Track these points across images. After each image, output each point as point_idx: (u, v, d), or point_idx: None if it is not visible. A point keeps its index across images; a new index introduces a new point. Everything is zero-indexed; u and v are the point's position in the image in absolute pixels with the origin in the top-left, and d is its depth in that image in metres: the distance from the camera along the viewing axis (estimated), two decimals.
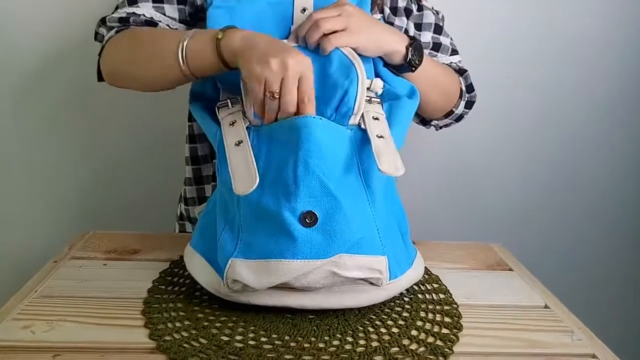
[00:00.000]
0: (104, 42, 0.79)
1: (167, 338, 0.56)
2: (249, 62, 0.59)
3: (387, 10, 0.87)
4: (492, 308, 0.68)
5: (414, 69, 0.73)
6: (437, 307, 0.66)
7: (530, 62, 1.24)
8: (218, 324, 0.59)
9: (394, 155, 0.59)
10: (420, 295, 0.69)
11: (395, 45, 0.71)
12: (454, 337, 0.59)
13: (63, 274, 0.71)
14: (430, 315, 0.64)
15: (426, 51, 0.86)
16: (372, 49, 0.69)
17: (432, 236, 0.93)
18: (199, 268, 0.63)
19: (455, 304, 0.67)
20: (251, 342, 0.56)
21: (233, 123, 0.62)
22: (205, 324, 0.59)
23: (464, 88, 0.88)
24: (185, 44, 0.66)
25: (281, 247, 0.56)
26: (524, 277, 0.78)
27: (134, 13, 0.78)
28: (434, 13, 0.91)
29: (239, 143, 0.60)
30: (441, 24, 0.91)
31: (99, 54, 0.80)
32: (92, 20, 1.07)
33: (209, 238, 0.64)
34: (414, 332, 0.60)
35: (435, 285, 0.72)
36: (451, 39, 0.92)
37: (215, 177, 0.90)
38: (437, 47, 0.90)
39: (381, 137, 0.61)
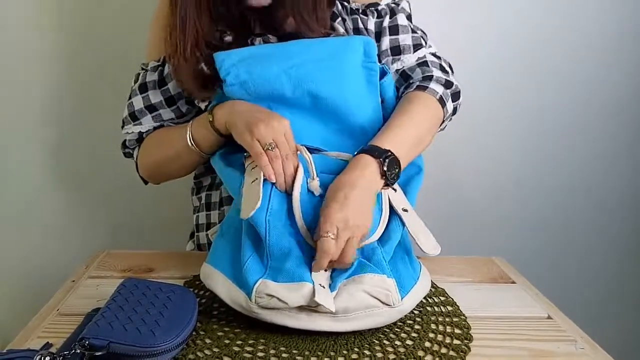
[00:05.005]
0: (135, 157, 0.96)
1: (191, 357, 0.58)
2: (240, 134, 0.72)
3: (351, 33, 0.88)
4: (497, 319, 0.71)
5: (397, 177, 0.73)
6: (447, 319, 0.69)
7: (528, 66, 1.27)
8: (239, 342, 0.62)
9: (427, 232, 0.70)
10: (429, 308, 0.71)
11: (376, 189, 0.71)
12: (466, 348, 0.62)
13: (82, 293, 0.73)
14: (440, 327, 0.66)
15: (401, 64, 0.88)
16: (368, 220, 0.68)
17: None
18: (221, 285, 0.66)
19: (464, 315, 0.70)
20: (273, 359, 0.58)
21: (255, 167, 0.71)
22: (227, 342, 0.62)
23: (441, 92, 0.84)
24: (190, 135, 0.81)
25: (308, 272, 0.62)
26: (526, 289, 0.81)
27: (147, 130, 0.92)
28: (389, 11, 0.88)
29: (254, 180, 0.69)
30: (397, 22, 0.88)
31: (137, 168, 0.97)
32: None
33: (229, 257, 0.67)
34: (427, 344, 0.63)
35: (442, 298, 0.75)
36: (413, 31, 0.89)
37: (221, 203, 0.94)
38: (396, 50, 0.88)
39: (405, 210, 0.70)
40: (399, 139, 0.75)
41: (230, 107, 0.75)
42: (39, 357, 0.53)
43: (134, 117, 0.92)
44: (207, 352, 0.59)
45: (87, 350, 0.54)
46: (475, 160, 1.32)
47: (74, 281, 0.77)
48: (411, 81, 0.87)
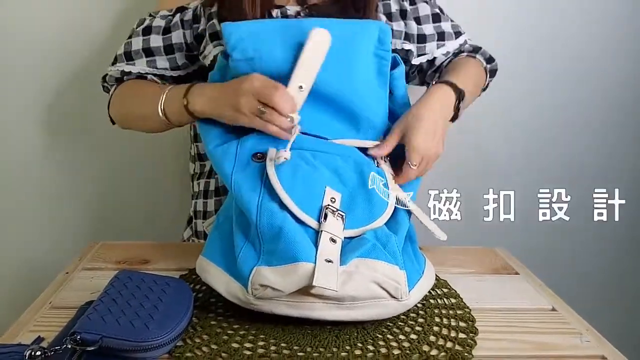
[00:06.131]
0: (110, 96, 0.93)
1: (189, 355, 0.56)
2: (233, 119, 0.69)
3: (382, 17, 0.87)
4: (501, 312, 0.69)
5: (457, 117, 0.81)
6: (451, 312, 0.67)
7: (527, 66, 1.25)
8: (238, 338, 0.59)
9: (431, 222, 0.71)
10: (432, 301, 0.70)
11: (449, 119, 0.79)
12: (472, 342, 0.60)
13: (75, 285, 0.71)
14: (445, 320, 0.65)
15: (450, 44, 0.94)
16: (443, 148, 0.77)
17: (434, 241, 0.94)
18: (217, 278, 0.63)
19: (468, 308, 0.68)
20: (274, 355, 0.56)
21: None
22: (225, 337, 0.59)
23: (484, 64, 0.93)
24: (161, 106, 0.79)
25: (306, 250, 0.58)
26: (529, 280, 0.79)
27: (130, 72, 0.89)
28: (425, 1, 0.91)
29: None
30: (437, 10, 0.93)
31: (108, 106, 0.93)
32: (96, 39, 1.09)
33: (225, 249, 0.65)
34: (432, 338, 0.61)
35: (445, 290, 0.73)
36: (451, 20, 0.95)
37: (217, 192, 0.92)
38: (442, 36, 0.92)
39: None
40: (463, 84, 0.81)
41: (205, 95, 0.73)
42: (29, 352, 0.52)
43: (128, 56, 0.90)
44: (204, 349, 0.57)
45: (78, 345, 0.52)
46: (475, 159, 1.30)
47: (67, 273, 0.75)
48: (461, 51, 0.95)
